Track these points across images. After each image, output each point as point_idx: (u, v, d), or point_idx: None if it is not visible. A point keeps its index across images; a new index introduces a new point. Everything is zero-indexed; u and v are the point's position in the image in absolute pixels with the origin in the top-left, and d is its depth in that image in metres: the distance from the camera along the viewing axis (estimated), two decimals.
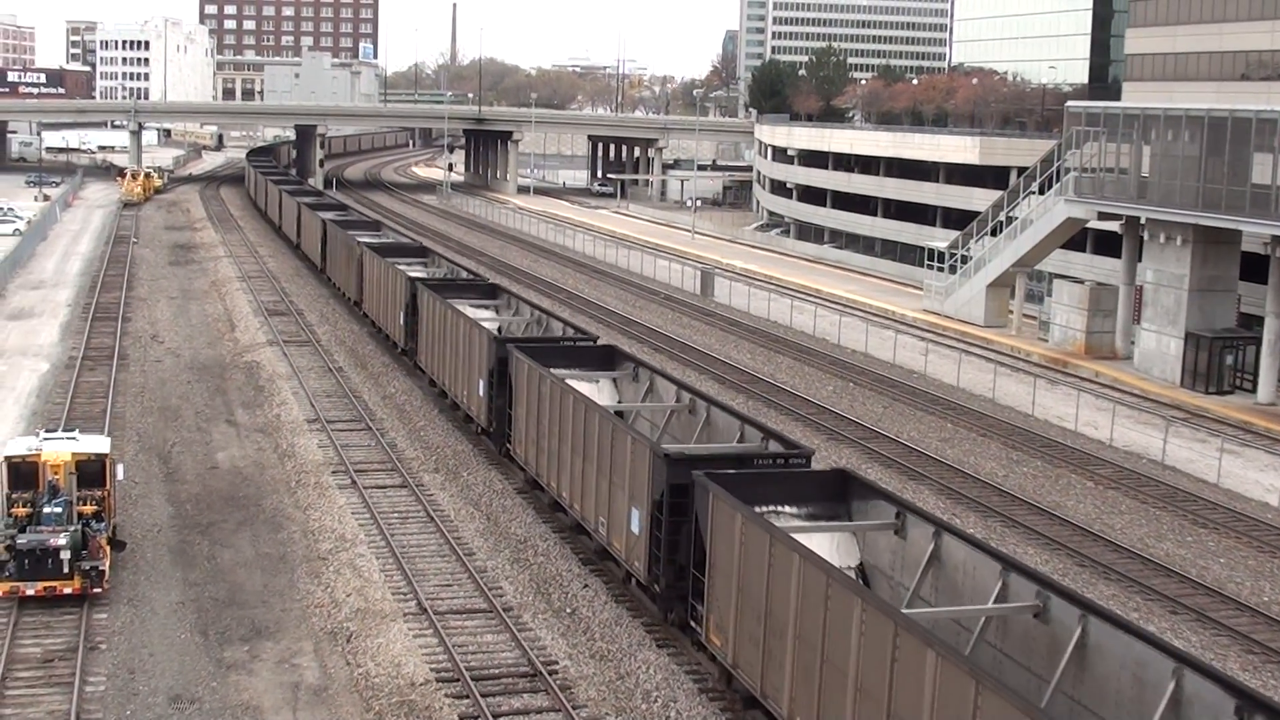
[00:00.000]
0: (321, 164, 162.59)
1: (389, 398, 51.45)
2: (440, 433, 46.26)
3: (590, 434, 32.74)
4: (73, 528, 30.28)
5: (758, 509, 25.60)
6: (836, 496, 27.22)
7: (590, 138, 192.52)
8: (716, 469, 27.41)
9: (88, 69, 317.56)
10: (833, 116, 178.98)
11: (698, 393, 35.43)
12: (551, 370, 37.02)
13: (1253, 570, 35.86)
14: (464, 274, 61.30)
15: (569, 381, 36.32)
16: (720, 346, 64.25)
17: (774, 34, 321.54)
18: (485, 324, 45.41)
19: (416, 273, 58.93)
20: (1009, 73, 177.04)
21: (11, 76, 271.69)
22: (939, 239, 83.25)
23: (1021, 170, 79.18)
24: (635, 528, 29.95)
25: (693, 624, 27.67)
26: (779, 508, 26.80)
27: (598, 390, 38.84)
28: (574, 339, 44.11)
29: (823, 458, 41.62)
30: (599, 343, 44.09)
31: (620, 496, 30.93)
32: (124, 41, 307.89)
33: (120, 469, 33.90)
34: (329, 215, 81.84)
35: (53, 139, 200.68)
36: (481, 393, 42.88)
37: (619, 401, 38.78)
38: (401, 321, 54.83)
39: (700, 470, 27.10)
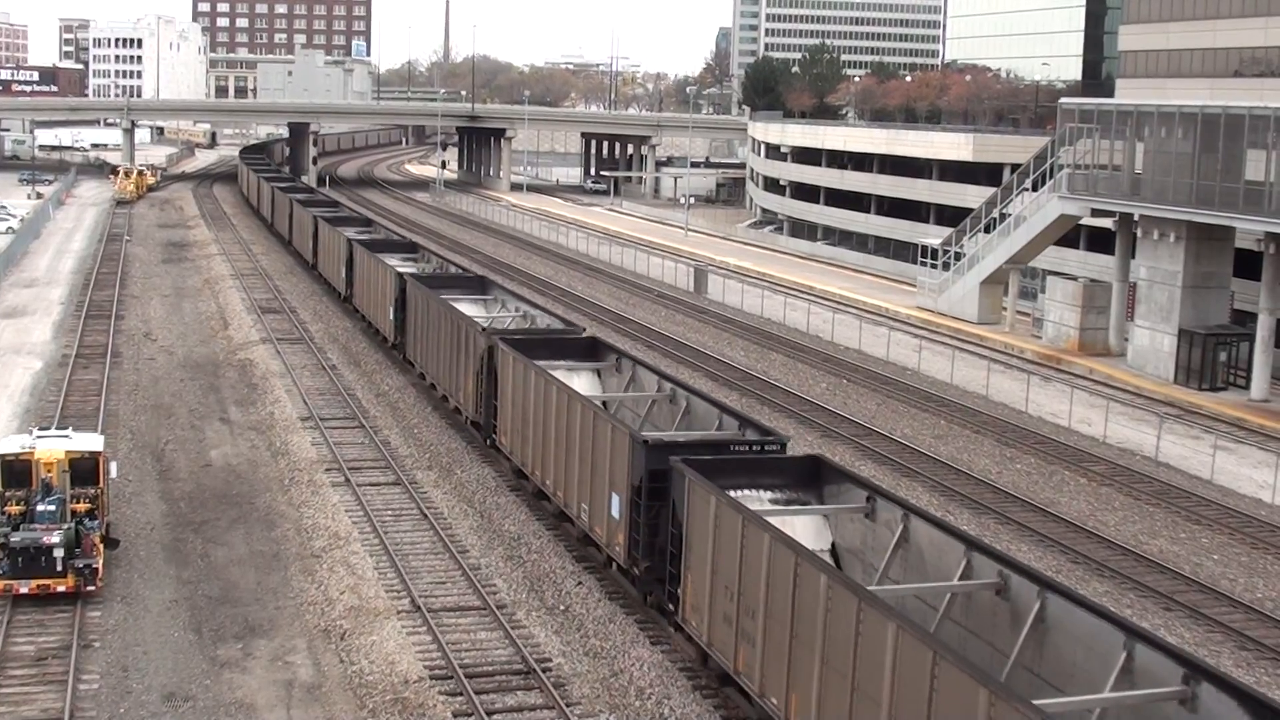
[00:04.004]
0: (315, 161, 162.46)
1: (382, 395, 51.42)
2: (433, 430, 46.24)
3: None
4: (66, 526, 30.24)
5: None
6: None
7: (584, 135, 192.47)
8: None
9: (80, 67, 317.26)
10: (826, 113, 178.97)
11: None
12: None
13: (1246, 567, 35.91)
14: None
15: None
16: (714, 344, 64.25)
17: (767, 31, 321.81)
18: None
19: (592, 386, 40.80)
20: (1002, 69, 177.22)
21: (4, 74, 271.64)
22: (932, 236, 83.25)
23: (1015, 167, 79.17)
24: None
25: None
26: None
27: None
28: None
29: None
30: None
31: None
32: (116, 39, 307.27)
33: (114, 467, 33.89)
34: (400, 264, 60.85)
35: (46, 137, 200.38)
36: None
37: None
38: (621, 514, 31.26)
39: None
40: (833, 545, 27.37)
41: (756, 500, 26.95)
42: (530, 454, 37.29)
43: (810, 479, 28.01)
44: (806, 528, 27.13)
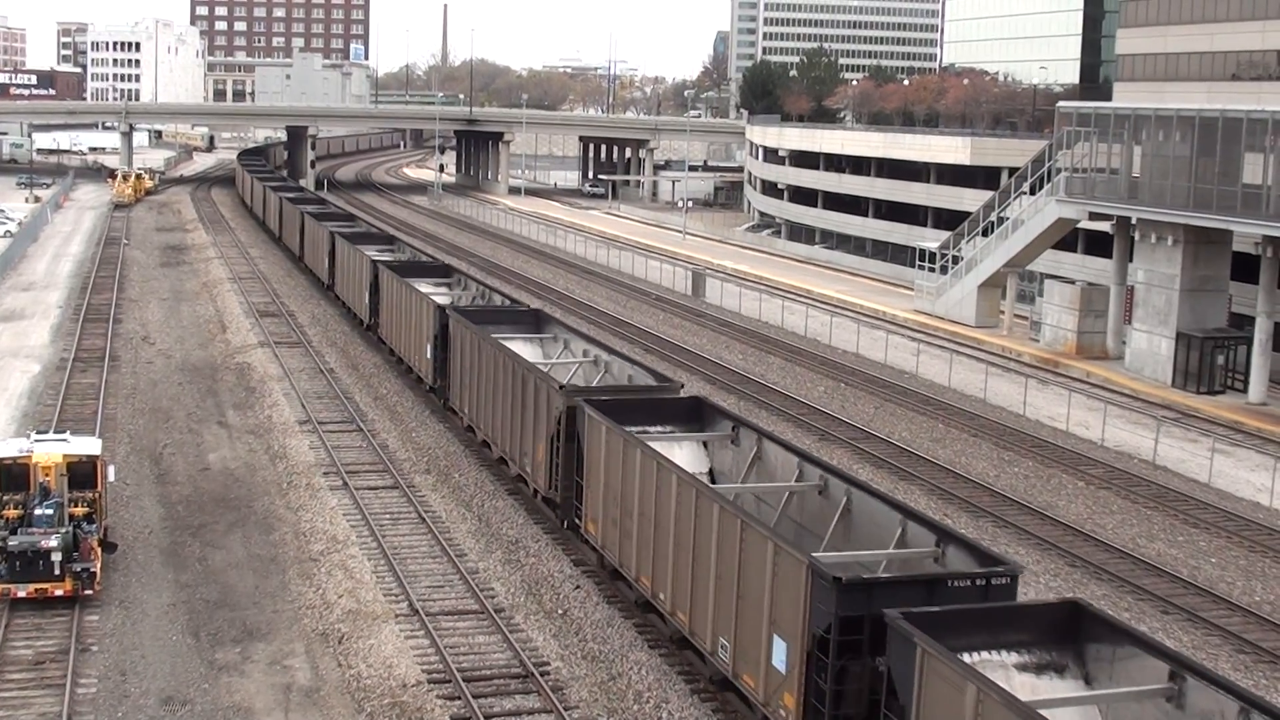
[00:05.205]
0: (313, 165, 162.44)
1: (380, 399, 51.40)
2: (431, 433, 46.21)
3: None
4: (64, 529, 30.20)
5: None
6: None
7: (581, 138, 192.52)
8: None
9: (79, 70, 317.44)
10: (824, 117, 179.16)
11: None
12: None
13: (1244, 570, 35.92)
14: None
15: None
16: (711, 347, 64.26)
17: (765, 34, 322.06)
18: None
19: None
20: (1000, 73, 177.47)
21: (2, 78, 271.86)
22: (930, 239, 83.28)
23: (1012, 171, 79.26)
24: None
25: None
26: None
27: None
28: None
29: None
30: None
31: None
32: (115, 43, 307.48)
33: (111, 470, 33.84)
34: (435, 290, 54.03)
35: (44, 140, 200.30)
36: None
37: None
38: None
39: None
40: None
41: (999, 667, 20.01)
42: (634, 555, 29.31)
43: (1066, 631, 20.74)
44: (1071, 712, 19.88)
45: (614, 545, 30.47)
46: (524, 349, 42.61)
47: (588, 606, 31.04)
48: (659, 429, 32.36)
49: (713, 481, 30.81)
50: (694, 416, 33.40)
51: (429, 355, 48.04)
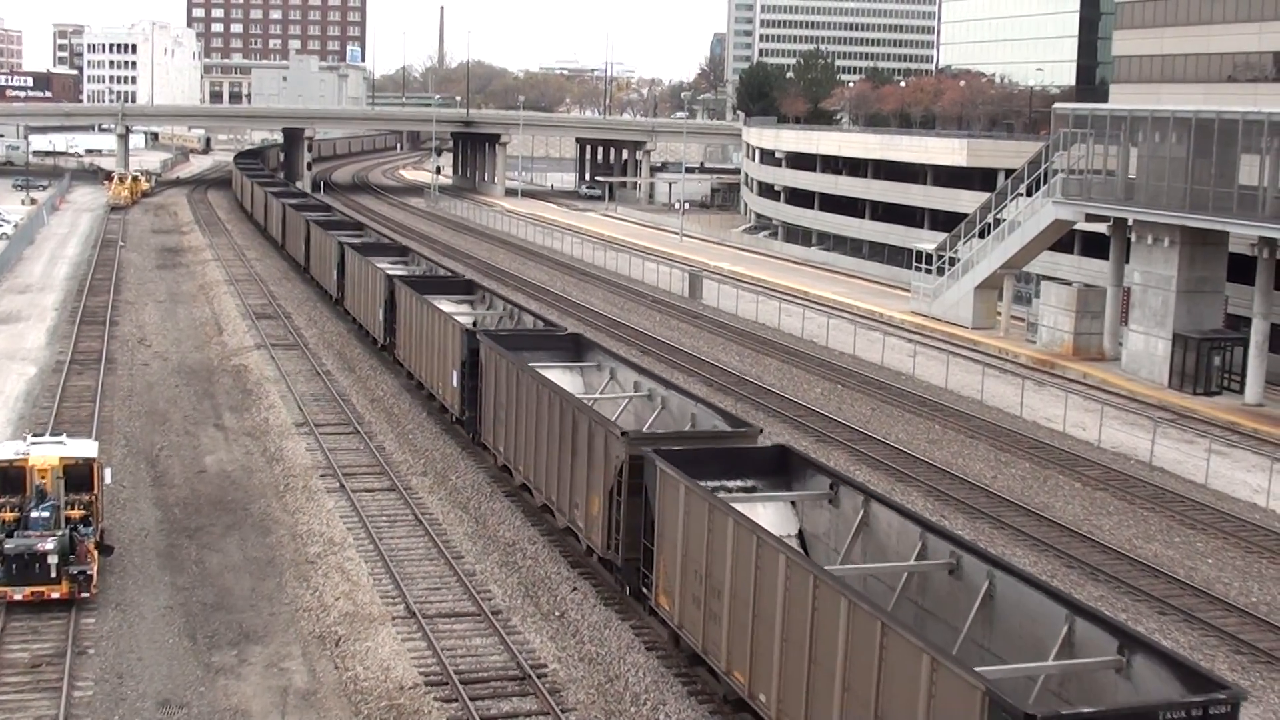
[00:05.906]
0: (309, 167, 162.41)
1: (377, 401, 51.36)
2: (428, 436, 46.20)
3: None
4: (60, 532, 30.17)
5: None
6: None
7: (578, 140, 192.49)
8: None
9: (75, 72, 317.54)
10: (820, 119, 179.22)
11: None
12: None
13: (1240, 570, 35.94)
14: None
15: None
16: (708, 349, 64.26)
17: (761, 36, 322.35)
18: None
19: None
20: (996, 75, 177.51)
21: None
22: (926, 241, 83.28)
23: (1009, 172, 79.23)
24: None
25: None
26: None
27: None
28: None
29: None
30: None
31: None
32: (111, 45, 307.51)
33: (108, 473, 33.79)
34: (456, 308, 50.92)
35: (40, 142, 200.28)
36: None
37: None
38: None
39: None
40: None
41: None
42: (724, 644, 24.79)
43: None
44: None
45: (695, 627, 25.84)
46: (564, 379, 38.54)
47: (585, 609, 31.03)
48: (738, 483, 28.03)
49: (803, 547, 26.94)
50: (779, 468, 28.67)
51: (455, 384, 43.60)
